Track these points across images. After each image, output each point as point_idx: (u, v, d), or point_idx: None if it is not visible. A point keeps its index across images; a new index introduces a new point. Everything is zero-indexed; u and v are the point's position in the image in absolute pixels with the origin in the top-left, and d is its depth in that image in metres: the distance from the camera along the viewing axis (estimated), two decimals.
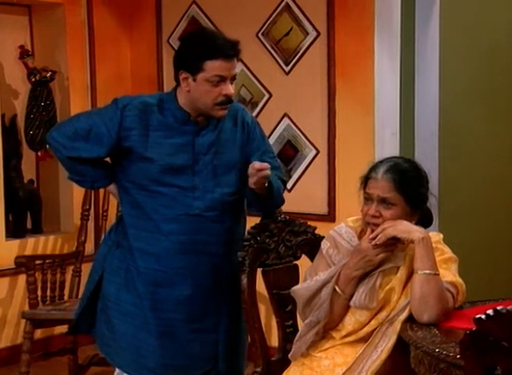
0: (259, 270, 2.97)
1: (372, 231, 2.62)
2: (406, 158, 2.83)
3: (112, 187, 3.08)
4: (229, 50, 2.88)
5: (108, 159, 3.06)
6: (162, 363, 2.99)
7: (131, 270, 2.98)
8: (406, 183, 2.62)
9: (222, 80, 2.87)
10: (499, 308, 1.82)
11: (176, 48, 3.67)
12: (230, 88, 2.90)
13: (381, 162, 2.70)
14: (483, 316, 1.83)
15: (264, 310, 3.99)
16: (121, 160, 2.98)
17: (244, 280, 2.88)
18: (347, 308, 2.66)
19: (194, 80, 2.88)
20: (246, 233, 3.02)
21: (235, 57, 2.90)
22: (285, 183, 3.20)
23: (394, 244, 2.61)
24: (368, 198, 2.65)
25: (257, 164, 2.87)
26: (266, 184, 2.93)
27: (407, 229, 2.56)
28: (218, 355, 3.04)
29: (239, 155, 3.04)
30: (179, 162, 2.93)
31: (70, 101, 4.96)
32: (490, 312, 1.82)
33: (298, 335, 2.74)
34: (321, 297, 2.66)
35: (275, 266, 3.00)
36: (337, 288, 2.64)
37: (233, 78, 2.92)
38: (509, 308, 1.81)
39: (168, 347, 2.98)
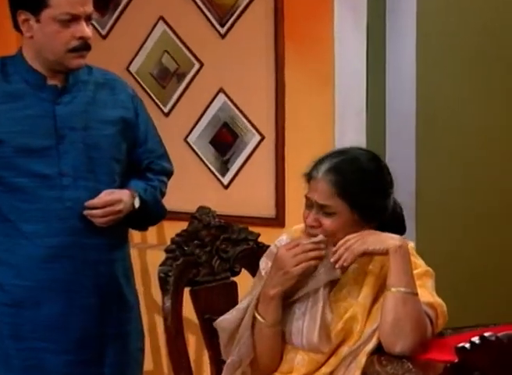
0: (186, 290, 2.98)
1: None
2: (366, 151, 2.78)
3: None
4: None
5: None
6: None
7: None
8: (351, 189, 2.60)
9: (74, 18, 2.88)
10: (487, 334, 1.86)
11: None
12: (86, 30, 2.91)
13: (330, 155, 2.70)
14: (467, 345, 1.87)
15: (193, 341, 4.00)
16: None
17: (167, 302, 2.89)
18: (278, 340, 2.63)
19: (38, 20, 2.88)
20: (169, 241, 3.03)
21: None
22: (167, 173, 3.22)
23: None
24: (307, 203, 2.66)
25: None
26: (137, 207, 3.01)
27: (379, 238, 2.56)
28: None
29: (119, 135, 3.05)
30: (38, 142, 2.92)
31: None
32: (476, 339, 1.86)
33: None
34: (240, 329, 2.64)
35: (207, 284, 3.03)
36: (257, 315, 2.63)
37: (89, 18, 2.92)
38: (499, 334, 1.85)
39: None
